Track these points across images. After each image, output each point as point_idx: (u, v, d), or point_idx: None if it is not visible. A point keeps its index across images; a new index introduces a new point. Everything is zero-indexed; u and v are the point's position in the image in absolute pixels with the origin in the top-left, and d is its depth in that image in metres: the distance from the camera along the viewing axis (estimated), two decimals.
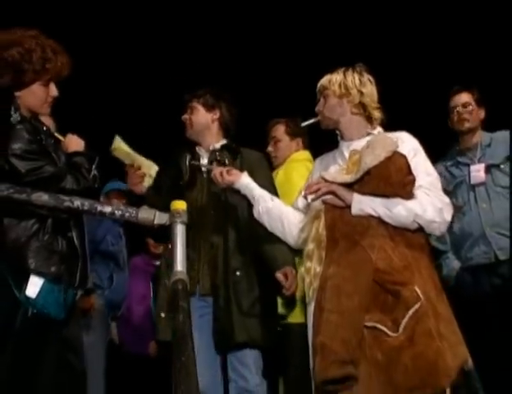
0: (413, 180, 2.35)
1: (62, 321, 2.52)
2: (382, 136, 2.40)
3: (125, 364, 4.48)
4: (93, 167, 2.70)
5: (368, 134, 2.56)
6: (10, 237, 2.47)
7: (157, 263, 4.71)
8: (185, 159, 3.30)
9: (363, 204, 2.32)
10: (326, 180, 2.39)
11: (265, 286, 3.04)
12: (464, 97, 3.60)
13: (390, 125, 2.66)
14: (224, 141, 3.34)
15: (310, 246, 2.41)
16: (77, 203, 2.41)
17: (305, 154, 3.77)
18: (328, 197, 2.36)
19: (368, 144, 2.37)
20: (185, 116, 3.33)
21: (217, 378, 3.12)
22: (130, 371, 4.49)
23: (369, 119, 2.59)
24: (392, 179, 2.30)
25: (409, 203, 2.32)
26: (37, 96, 2.64)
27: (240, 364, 3.03)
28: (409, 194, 2.33)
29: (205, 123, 3.32)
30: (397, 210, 2.31)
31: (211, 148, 3.30)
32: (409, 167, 2.34)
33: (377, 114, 2.59)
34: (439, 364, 2.11)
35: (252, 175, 3.01)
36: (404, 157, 2.35)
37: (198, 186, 3.19)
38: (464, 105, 3.57)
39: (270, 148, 3.87)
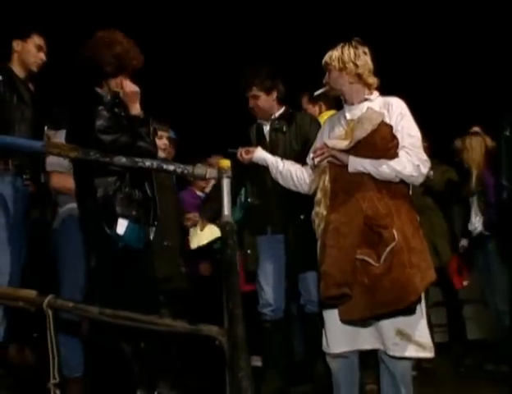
0: (397, 145, 2.90)
1: (142, 250, 3.38)
2: (370, 112, 2.92)
3: None
4: (151, 126, 3.43)
5: (366, 99, 3.08)
6: (100, 192, 3.27)
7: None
8: (252, 131, 4.00)
9: (357, 164, 2.91)
10: (328, 147, 3.00)
11: None
12: None
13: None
14: (282, 110, 3.98)
15: (319, 195, 3.05)
16: (148, 163, 3.15)
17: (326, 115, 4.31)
18: (330, 159, 3.00)
19: (358, 119, 2.93)
20: (251, 106, 3.91)
21: (282, 293, 4.03)
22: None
23: (366, 85, 3.10)
24: (377, 146, 2.88)
25: (392, 163, 2.88)
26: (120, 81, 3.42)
27: (304, 282, 3.97)
28: (393, 156, 2.89)
29: (268, 106, 3.96)
30: (382, 168, 2.88)
31: (272, 117, 3.96)
32: (392, 135, 2.90)
33: (371, 80, 3.09)
34: (409, 286, 2.76)
35: (306, 136, 3.79)
36: (388, 126, 2.91)
37: None
38: None
39: None
